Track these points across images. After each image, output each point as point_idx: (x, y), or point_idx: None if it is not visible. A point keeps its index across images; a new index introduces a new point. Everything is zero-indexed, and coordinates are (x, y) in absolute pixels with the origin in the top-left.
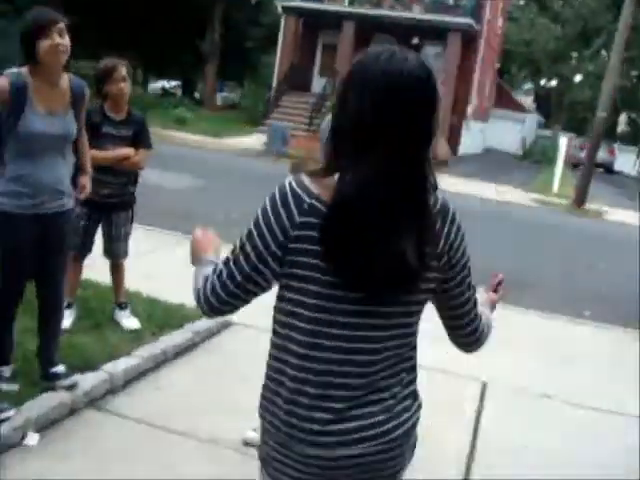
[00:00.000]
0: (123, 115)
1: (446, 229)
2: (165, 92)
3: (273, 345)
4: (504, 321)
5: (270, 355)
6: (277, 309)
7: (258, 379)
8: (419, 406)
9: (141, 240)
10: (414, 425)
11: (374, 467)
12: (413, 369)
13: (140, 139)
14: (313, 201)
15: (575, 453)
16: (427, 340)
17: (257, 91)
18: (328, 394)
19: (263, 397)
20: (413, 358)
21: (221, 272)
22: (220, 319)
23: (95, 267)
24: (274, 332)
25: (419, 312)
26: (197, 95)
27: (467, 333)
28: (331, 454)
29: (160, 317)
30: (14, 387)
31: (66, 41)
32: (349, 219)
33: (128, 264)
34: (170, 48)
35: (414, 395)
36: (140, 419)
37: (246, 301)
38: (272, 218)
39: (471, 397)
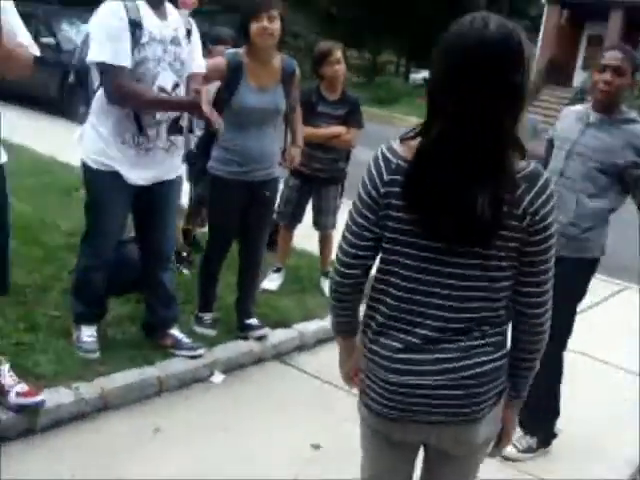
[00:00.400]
0: (337, 95)
1: (532, 194)
2: (426, 82)
3: (373, 288)
4: None
5: (369, 297)
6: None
7: None
8: (503, 356)
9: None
10: (493, 371)
11: (444, 404)
12: (500, 324)
13: (352, 119)
14: (399, 161)
15: None
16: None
17: None
18: (408, 329)
19: (361, 331)
20: (498, 312)
21: (344, 233)
22: None
23: (311, 237)
24: (375, 278)
25: (501, 269)
26: None
27: (526, 304)
28: (404, 381)
29: None
30: (212, 332)
31: (274, 25)
32: (424, 177)
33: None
34: (431, 38)
35: (498, 345)
36: (317, 376)
37: (367, 256)
38: (367, 179)
39: None
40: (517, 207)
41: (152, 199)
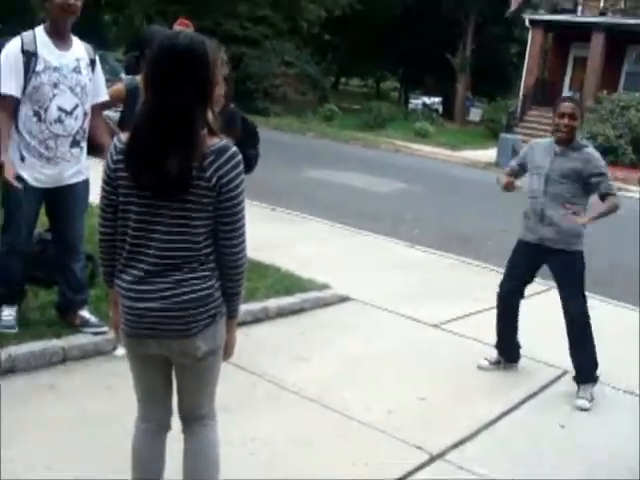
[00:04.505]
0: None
1: (219, 162)
2: (427, 107)
3: (119, 240)
4: None
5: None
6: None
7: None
8: (210, 286)
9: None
10: (202, 298)
11: (164, 322)
12: (207, 262)
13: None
14: (122, 145)
15: None
16: None
17: (504, 106)
18: (136, 265)
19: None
20: (203, 252)
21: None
22: (336, 293)
23: None
24: (119, 232)
25: (199, 218)
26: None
27: (224, 245)
28: (135, 305)
29: (280, 284)
30: None
31: None
32: (134, 149)
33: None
34: (425, 65)
35: (206, 278)
36: None
37: (112, 218)
38: (106, 162)
39: None
40: (205, 172)
41: (58, 200)
